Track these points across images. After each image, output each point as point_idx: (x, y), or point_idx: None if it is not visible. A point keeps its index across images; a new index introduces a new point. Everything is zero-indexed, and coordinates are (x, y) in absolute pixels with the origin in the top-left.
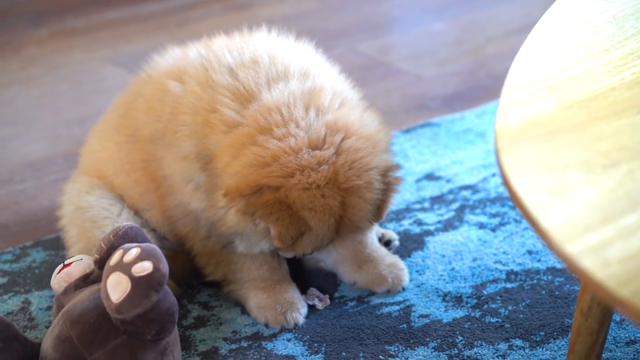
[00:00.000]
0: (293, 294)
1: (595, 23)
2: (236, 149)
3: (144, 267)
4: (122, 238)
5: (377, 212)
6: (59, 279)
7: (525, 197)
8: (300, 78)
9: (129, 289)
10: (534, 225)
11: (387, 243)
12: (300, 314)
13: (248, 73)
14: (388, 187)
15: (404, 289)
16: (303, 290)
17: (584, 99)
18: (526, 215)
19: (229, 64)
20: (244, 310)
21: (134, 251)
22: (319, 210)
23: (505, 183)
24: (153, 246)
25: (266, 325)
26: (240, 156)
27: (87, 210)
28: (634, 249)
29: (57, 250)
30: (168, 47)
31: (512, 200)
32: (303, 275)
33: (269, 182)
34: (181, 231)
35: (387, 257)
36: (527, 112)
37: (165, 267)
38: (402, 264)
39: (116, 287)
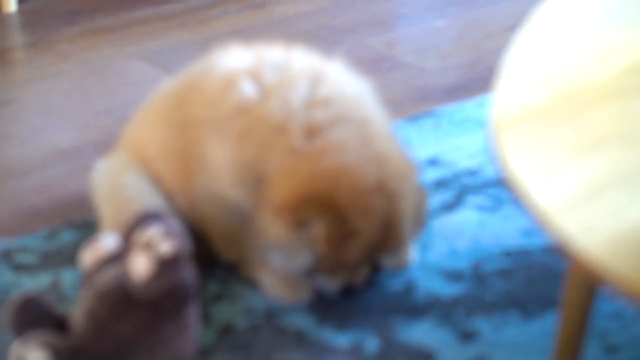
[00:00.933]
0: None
1: (586, 14)
2: (291, 174)
3: (167, 246)
4: (145, 218)
5: (417, 220)
6: (88, 257)
7: (519, 178)
8: (358, 122)
9: (151, 267)
10: (527, 204)
11: None
12: (310, 290)
13: (318, 112)
14: (420, 195)
15: (409, 266)
16: None
17: (576, 89)
18: (521, 195)
19: (306, 98)
20: (258, 286)
21: (157, 230)
22: (367, 212)
23: (502, 165)
24: (176, 224)
25: (279, 301)
26: (293, 177)
27: (123, 189)
28: (623, 228)
29: (86, 231)
30: (231, 45)
31: (508, 181)
32: None
33: (321, 190)
34: (204, 213)
35: None
36: (521, 100)
37: (187, 244)
38: (410, 242)
39: (139, 266)
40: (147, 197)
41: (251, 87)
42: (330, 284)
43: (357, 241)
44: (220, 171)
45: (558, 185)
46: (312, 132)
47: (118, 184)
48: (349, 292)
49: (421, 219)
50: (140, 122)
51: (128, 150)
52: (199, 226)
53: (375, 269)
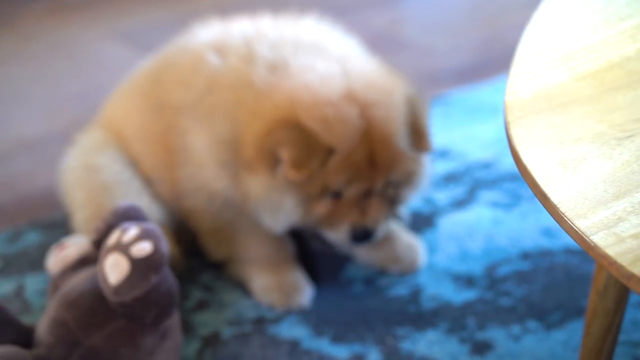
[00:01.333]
0: (298, 275)
1: None
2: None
3: (143, 248)
4: (120, 217)
5: (417, 136)
6: (56, 261)
7: (534, 171)
8: (333, 51)
9: (127, 270)
10: (543, 200)
11: None
12: (305, 296)
13: (287, 49)
14: (415, 108)
15: (417, 270)
16: (309, 272)
17: (599, 70)
18: (535, 190)
19: (272, 41)
20: (247, 293)
21: (133, 231)
22: (333, 123)
23: (514, 157)
24: (153, 226)
25: (270, 308)
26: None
27: (98, 172)
28: None
29: (53, 231)
30: (208, 18)
31: (522, 174)
32: (308, 256)
33: (279, 117)
34: (190, 206)
35: (405, 236)
36: (538, 84)
37: (165, 247)
38: (419, 245)
39: (114, 269)
40: (125, 183)
41: (216, 60)
42: (340, 234)
43: (334, 157)
44: (203, 160)
45: (579, 181)
46: (274, 67)
47: (93, 164)
48: (366, 241)
49: (421, 132)
50: (117, 100)
51: (105, 128)
52: (184, 218)
53: (380, 272)
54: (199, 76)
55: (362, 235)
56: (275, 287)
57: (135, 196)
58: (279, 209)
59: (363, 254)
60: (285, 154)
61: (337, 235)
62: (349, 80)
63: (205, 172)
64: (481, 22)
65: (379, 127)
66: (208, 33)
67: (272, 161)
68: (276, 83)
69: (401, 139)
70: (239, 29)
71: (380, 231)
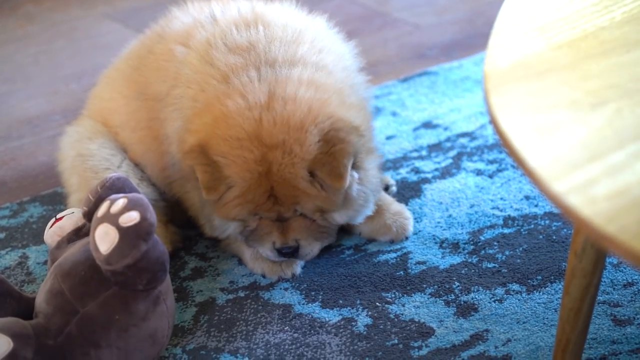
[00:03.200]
0: None
1: None
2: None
3: (131, 217)
4: (109, 189)
5: (328, 174)
6: (52, 233)
7: (512, 137)
8: (286, 64)
9: (117, 239)
10: (521, 164)
11: (385, 189)
12: (297, 264)
13: (238, 59)
14: (331, 147)
15: (407, 238)
16: None
17: (574, 39)
18: (514, 155)
19: (230, 44)
20: (241, 261)
21: (120, 202)
22: (236, 161)
23: (494, 124)
24: (140, 196)
25: (263, 276)
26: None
27: (89, 158)
28: (620, 186)
29: (54, 205)
30: (186, 2)
31: (501, 140)
32: None
33: (198, 139)
34: (178, 192)
35: (393, 205)
36: (516, 54)
37: (152, 216)
38: (407, 213)
39: (104, 239)
40: (114, 168)
41: (181, 55)
42: (266, 251)
43: (233, 191)
44: (172, 148)
45: (555, 146)
46: (224, 78)
47: (85, 151)
48: (294, 256)
49: (333, 171)
50: (103, 88)
51: (93, 118)
52: (174, 198)
53: (369, 241)
54: (169, 69)
55: (287, 252)
56: (265, 258)
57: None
58: (212, 221)
59: (353, 227)
60: (197, 175)
61: (264, 251)
62: (266, 116)
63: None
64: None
65: (277, 170)
66: (181, 21)
67: (195, 176)
68: (218, 96)
69: (300, 180)
70: (205, 19)
71: (308, 247)
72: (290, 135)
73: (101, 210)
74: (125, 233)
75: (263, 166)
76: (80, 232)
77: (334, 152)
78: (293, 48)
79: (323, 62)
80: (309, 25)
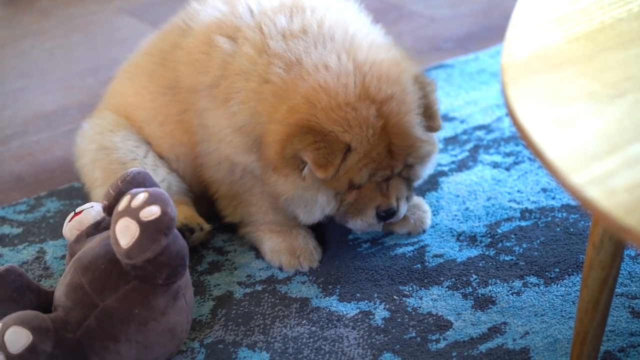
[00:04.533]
0: (309, 239)
1: None
2: (273, 119)
3: (152, 212)
4: (130, 183)
5: (428, 116)
6: (71, 227)
7: (530, 129)
8: (347, 37)
9: (137, 233)
10: (539, 157)
11: None
12: (315, 258)
13: (298, 43)
14: (425, 90)
15: (424, 231)
16: (317, 234)
17: (591, 31)
18: (532, 147)
19: (283, 31)
20: (258, 255)
21: (141, 196)
22: (352, 124)
23: (511, 116)
24: (161, 190)
25: (280, 269)
26: (275, 121)
27: (113, 151)
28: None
29: (71, 199)
30: None
31: (519, 133)
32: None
33: (297, 122)
34: (210, 177)
35: (412, 199)
36: (533, 45)
37: (173, 210)
38: (426, 206)
39: (125, 233)
40: (140, 160)
41: (228, 46)
42: (367, 218)
43: (354, 156)
44: (226, 138)
45: (573, 137)
46: (289, 64)
47: (108, 144)
48: (391, 218)
49: (433, 113)
50: (124, 83)
51: (115, 112)
52: (201, 191)
53: (386, 234)
54: (213, 61)
55: (388, 215)
56: (285, 249)
57: (152, 170)
58: (313, 205)
59: None
60: (308, 157)
61: (365, 219)
62: (362, 77)
63: (226, 148)
64: None
65: (396, 121)
66: (212, 14)
67: (298, 164)
68: (292, 82)
69: (417, 127)
70: (244, 10)
71: (403, 208)
72: (397, 88)
73: (122, 205)
74: (146, 227)
75: (381, 120)
76: (100, 226)
77: (430, 97)
78: (344, 25)
79: (372, 35)
80: (347, 7)
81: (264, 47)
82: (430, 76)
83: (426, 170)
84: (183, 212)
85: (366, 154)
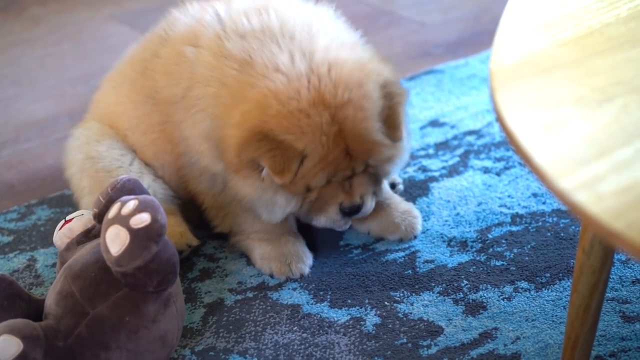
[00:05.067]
0: (299, 245)
1: None
2: (229, 123)
3: (142, 219)
4: (120, 191)
5: (389, 126)
6: (61, 235)
7: (519, 134)
8: (306, 36)
9: (127, 241)
10: (528, 162)
11: (391, 186)
12: (305, 264)
13: (253, 42)
14: (391, 101)
15: (415, 237)
16: (307, 240)
17: (580, 36)
18: (520, 152)
19: (243, 32)
20: (249, 262)
21: (131, 203)
22: (305, 130)
23: (500, 121)
24: (151, 197)
25: (271, 276)
26: (231, 126)
27: (99, 160)
28: (627, 182)
29: (62, 207)
30: (186, 3)
31: (507, 138)
32: (307, 226)
33: (250, 128)
34: (195, 188)
35: (401, 204)
36: (522, 51)
37: (163, 218)
38: (416, 212)
39: (115, 240)
40: (126, 168)
41: (192, 55)
42: (331, 215)
43: (309, 161)
44: (200, 147)
45: (561, 142)
46: (243, 63)
47: (94, 153)
48: (356, 214)
49: (394, 123)
50: (108, 92)
51: (99, 121)
52: (188, 199)
53: (377, 239)
54: (182, 71)
55: (352, 212)
56: (275, 256)
57: (137, 178)
58: (274, 205)
59: (361, 226)
60: (264, 163)
61: (328, 216)
62: (317, 80)
63: (203, 159)
64: None
65: (352, 127)
66: (184, 22)
67: (255, 167)
68: (245, 83)
69: (376, 132)
70: (211, 17)
71: (370, 203)
72: (355, 93)
73: (112, 212)
74: (136, 235)
75: (335, 126)
76: (90, 234)
77: (393, 107)
78: (308, 25)
79: (340, 36)
80: (319, 10)
81: (221, 51)
82: (403, 85)
83: (392, 169)
84: (170, 228)
85: (322, 159)
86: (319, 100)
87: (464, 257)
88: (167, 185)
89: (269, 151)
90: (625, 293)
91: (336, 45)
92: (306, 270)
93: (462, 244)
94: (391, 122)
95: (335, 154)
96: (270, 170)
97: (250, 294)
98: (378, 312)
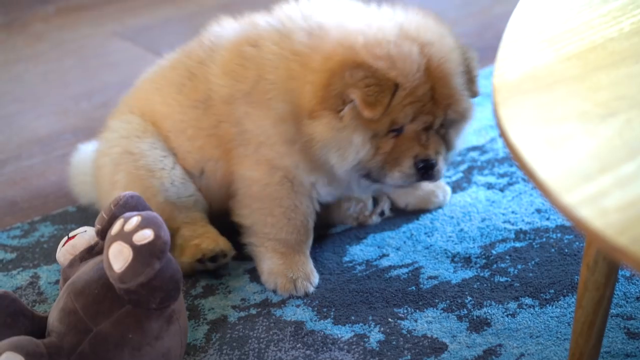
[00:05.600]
0: (307, 264)
1: None
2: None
3: (145, 235)
4: (122, 207)
5: (468, 79)
6: (64, 252)
7: (522, 149)
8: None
9: (130, 257)
10: (532, 177)
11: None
12: (311, 283)
13: (317, 17)
14: (466, 52)
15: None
16: (313, 258)
17: (583, 51)
18: (524, 167)
19: (304, 19)
20: (253, 278)
21: (134, 220)
22: (396, 59)
23: (503, 136)
24: (154, 214)
25: (274, 292)
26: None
27: (140, 157)
28: (632, 197)
29: (65, 224)
30: (222, 18)
31: (511, 153)
32: (314, 244)
33: (342, 59)
34: (243, 174)
35: (427, 185)
36: (525, 66)
37: (166, 234)
38: (444, 184)
39: (118, 257)
40: (169, 170)
41: (255, 52)
42: (404, 169)
43: (400, 93)
44: (269, 140)
45: (565, 157)
46: (310, 30)
47: (135, 149)
48: (429, 174)
49: (472, 78)
50: (152, 92)
51: (140, 115)
52: (222, 205)
53: (381, 255)
54: (247, 67)
55: (426, 167)
56: (282, 272)
57: (181, 184)
58: (348, 147)
59: (400, 200)
60: (356, 94)
61: (401, 171)
62: (401, 22)
63: (268, 152)
64: (474, 12)
65: (438, 64)
66: (234, 29)
67: (338, 104)
68: (319, 39)
69: (457, 77)
70: (266, 21)
71: (441, 166)
72: (437, 36)
73: (115, 229)
74: (139, 251)
75: (425, 58)
76: (93, 251)
77: (469, 59)
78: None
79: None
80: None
81: (285, 34)
82: None
83: (460, 139)
84: (213, 237)
85: (412, 91)
86: (405, 35)
87: (468, 273)
88: (202, 195)
89: (362, 80)
90: (629, 309)
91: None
92: (311, 289)
93: (466, 260)
94: (469, 74)
95: (424, 89)
96: (362, 102)
97: (253, 311)
98: (382, 328)
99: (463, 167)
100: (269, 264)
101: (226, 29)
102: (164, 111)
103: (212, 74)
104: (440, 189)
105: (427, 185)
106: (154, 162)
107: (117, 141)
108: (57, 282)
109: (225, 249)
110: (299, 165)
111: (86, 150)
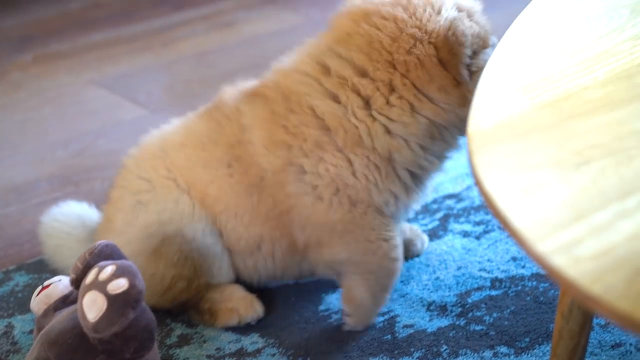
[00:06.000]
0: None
1: (569, 23)
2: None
3: (120, 285)
4: (97, 256)
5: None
6: (38, 301)
7: (497, 197)
8: None
9: (105, 307)
10: (506, 225)
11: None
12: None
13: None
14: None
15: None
16: (289, 305)
17: (557, 99)
18: (498, 215)
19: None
20: (227, 327)
21: (109, 269)
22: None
23: (478, 184)
24: (129, 263)
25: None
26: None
27: (190, 243)
28: (605, 246)
29: (40, 273)
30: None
31: (486, 201)
32: (289, 290)
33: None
34: (318, 220)
35: (406, 225)
36: (499, 114)
37: (141, 283)
38: (418, 229)
39: (92, 306)
40: (219, 257)
41: (286, 109)
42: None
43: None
44: (348, 177)
45: (539, 206)
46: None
47: (181, 234)
48: None
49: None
50: (199, 169)
51: (189, 193)
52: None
53: None
54: (288, 123)
55: None
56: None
57: (227, 270)
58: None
59: None
60: (455, 64)
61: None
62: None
63: (352, 182)
64: None
65: None
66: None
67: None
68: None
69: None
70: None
71: None
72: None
73: (89, 278)
74: (114, 300)
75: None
76: (67, 300)
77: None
78: None
79: None
80: None
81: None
82: None
83: None
84: (249, 300)
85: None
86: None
87: (444, 322)
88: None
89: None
90: (604, 357)
91: None
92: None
93: (442, 309)
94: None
95: None
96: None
97: None
98: None
99: (439, 214)
100: (364, 289)
101: (241, 89)
102: (214, 194)
103: (254, 153)
104: (418, 237)
105: (405, 234)
106: (204, 252)
107: (152, 215)
108: (31, 331)
109: (260, 312)
110: (385, 197)
111: (59, 213)
